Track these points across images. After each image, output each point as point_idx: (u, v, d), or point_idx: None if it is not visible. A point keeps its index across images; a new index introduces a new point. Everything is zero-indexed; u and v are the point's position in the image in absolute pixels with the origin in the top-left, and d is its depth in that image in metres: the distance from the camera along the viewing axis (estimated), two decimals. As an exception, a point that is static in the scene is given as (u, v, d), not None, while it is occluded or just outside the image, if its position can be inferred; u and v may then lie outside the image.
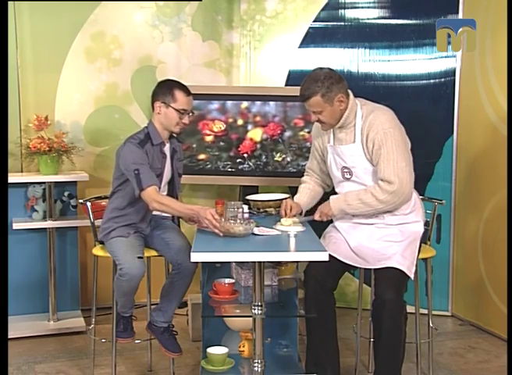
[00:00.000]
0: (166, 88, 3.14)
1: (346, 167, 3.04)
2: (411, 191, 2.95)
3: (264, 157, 4.17)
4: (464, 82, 4.19)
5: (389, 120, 2.94)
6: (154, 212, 3.24)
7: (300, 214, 3.13)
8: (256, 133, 4.16)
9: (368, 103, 3.04)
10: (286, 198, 3.16)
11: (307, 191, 3.24)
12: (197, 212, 2.86)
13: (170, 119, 3.13)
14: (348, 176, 3.04)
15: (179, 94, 3.12)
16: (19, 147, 4.07)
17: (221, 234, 2.73)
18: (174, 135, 3.26)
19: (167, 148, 3.22)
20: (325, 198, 3.15)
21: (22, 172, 4.16)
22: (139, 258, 3.01)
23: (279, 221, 2.96)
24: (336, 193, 3.11)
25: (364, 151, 2.96)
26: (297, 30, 4.43)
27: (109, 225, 3.18)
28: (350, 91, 3.02)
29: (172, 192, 3.27)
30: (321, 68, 2.99)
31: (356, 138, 2.98)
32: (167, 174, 3.23)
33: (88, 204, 3.41)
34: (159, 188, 3.12)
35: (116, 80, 4.36)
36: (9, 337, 3.62)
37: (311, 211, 3.14)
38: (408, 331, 3.02)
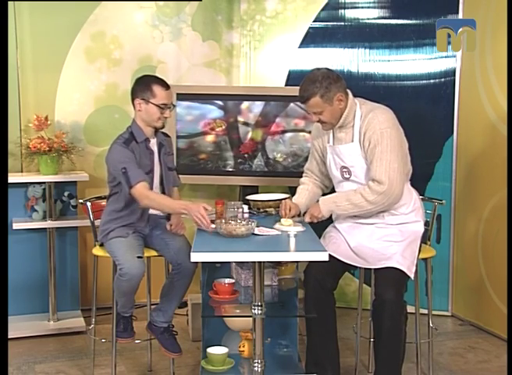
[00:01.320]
0: (144, 85, 3.14)
1: (345, 167, 3.04)
2: (401, 193, 2.94)
3: (264, 157, 4.17)
4: (464, 82, 4.19)
5: (387, 120, 2.94)
6: (153, 212, 3.25)
7: (299, 215, 3.13)
8: (256, 134, 4.16)
9: (367, 103, 3.04)
10: (285, 199, 3.16)
11: (306, 192, 3.23)
12: (189, 209, 2.84)
13: (151, 114, 3.13)
14: (347, 176, 3.04)
15: (157, 90, 3.11)
16: (19, 147, 4.07)
17: (209, 230, 2.77)
18: (159, 130, 3.26)
19: (153, 144, 3.22)
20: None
21: (22, 172, 4.16)
22: (138, 257, 3.01)
23: (279, 221, 2.96)
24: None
25: (362, 150, 2.97)
26: (297, 30, 4.43)
27: (108, 226, 3.18)
28: (348, 91, 3.02)
29: (164, 188, 3.27)
30: (318, 68, 2.99)
31: (354, 137, 2.98)
32: (157, 170, 3.23)
33: (88, 204, 3.42)
34: (152, 185, 3.15)
35: (116, 80, 4.36)
36: (9, 337, 3.61)
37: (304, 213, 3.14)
38: (408, 331, 3.03)
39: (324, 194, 3.21)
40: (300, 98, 2.97)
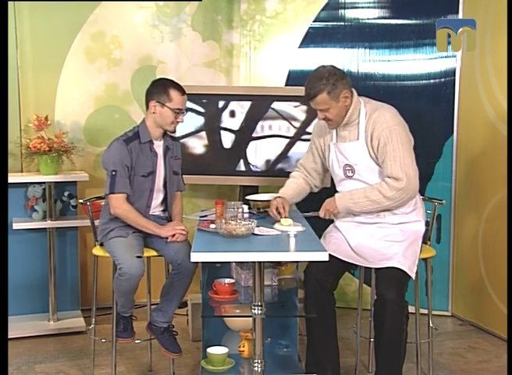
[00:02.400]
0: (161, 88, 3.15)
1: (348, 165, 3.03)
2: (417, 187, 2.96)
3: (264, 157, 4.16)
4: (464, 82, 4.19)
5: (393, 118, 2.95)
6: (152, 212, 3.25)
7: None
8: (256, 134, 4.16)
9: (371, 101, 3.04)
10: (274, 199, 3.12)
11: (294, 185, 3.24)
12: (163, 231, 3.06)
13: (165, 118, 3.15)
14: (350, 174, 3.04)
15: (174, 94, 3.13)
16: (19, 147, 4.07)
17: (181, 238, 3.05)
18: (168, 133, 3.27)
19: (158, 147, 3.22)
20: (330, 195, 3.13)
21: (22, 172, 4.16)
22: (138, 257, 3.01)
23: (279, 221, 2.96)
24: (336, 192, 3.11)
25: (368, 149, 2.97)
26: (297, 30, 4.43)
27: (107, 226, 3.18)
28: (353, 89, 3.02)
29: (167, 191, 3.27)
30: (323, 66, 3.00)
31: (360, 136, 2.98)
32: (161, 173, 3.23)
33: (88, 204, 3.42)
34: (154, 187, 3.18)
35: (116, 80, 4.36)
36: (9, 337, 3.61)
37: (317, 208, 3.11)
38: (408, 331, 3.02)
39: (325, 193, 3.20)
40: (306, 95, 2.97)
